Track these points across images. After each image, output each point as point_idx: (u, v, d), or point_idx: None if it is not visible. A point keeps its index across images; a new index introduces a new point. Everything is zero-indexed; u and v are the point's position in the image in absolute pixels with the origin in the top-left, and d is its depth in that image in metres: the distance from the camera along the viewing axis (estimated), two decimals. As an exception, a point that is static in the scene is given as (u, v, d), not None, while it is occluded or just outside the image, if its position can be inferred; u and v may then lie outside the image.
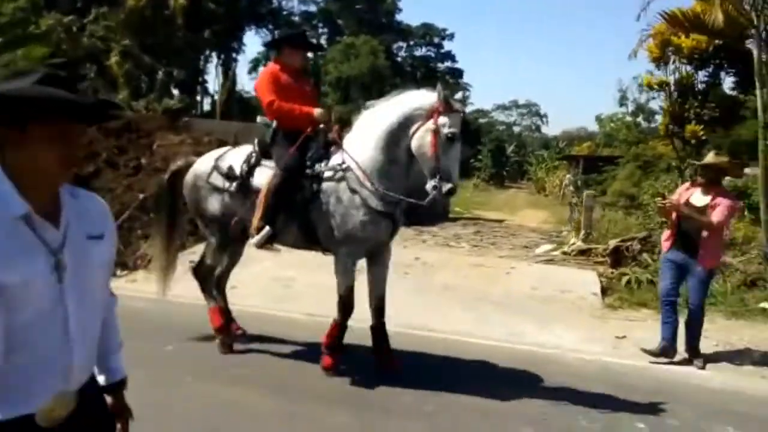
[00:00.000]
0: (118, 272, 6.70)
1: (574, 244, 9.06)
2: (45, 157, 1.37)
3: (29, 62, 22.11)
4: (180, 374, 4.11)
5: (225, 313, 4.71)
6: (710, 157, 4.95)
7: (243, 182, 4.25)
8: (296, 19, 49.91)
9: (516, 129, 66.54)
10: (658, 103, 9.85)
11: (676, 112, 9.09)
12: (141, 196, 8.49)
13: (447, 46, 57.43)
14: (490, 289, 6.92)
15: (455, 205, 17.69)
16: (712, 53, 8.80)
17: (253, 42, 72.16)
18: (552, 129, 73.57)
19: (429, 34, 56.80)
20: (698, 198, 4.81)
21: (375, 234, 4.02)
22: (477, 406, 3.85)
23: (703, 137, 8.85)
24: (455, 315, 5.92)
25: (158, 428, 2.88)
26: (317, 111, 4.17)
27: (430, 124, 3.79)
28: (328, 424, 3.56)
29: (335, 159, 4.08)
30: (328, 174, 4.04)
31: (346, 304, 4.14)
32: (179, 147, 9.54)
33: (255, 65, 52.70)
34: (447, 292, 6.77)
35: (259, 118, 4.42)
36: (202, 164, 4.50)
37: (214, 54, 44.30)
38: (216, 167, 4.38)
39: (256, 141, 4.38)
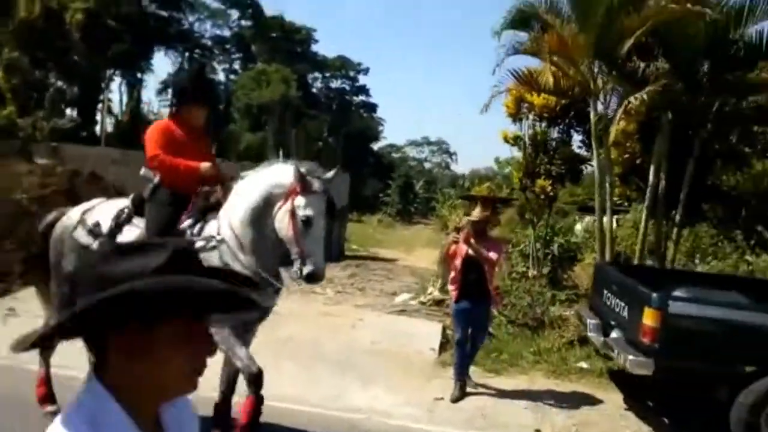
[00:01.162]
0: None
1: (431, 293, 9.15)
2: (173, 367, 1.04)
3: None
4: None
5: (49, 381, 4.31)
6: (477, 213, 5.59)
7: (108, 241, 3.84)
8: (208, 42, 49.11)
9: (427, 165, 67.95)
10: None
11: (529, 167, 9.47)
12: (-32, 232, 7.85)
13: (362, 80, 58.18)
14: (331, 344, 6.79)
15: (353, 243, 17.67)
16: (561, 112, 9.24)
17: (164, 62, 70.19)
18: (463, 167, 75.66)
19: (344, 66, 57.38)
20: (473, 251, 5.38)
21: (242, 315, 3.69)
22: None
23: (551, 193, 9.24)
24: (288, 374, 5.72)
25: None
26: (203, 166, 3.85)
27: (287, 205, 3.59)
28: None
29: (211, 227, 3.82)
30: (200, 243, 3.73)
31: (254, 375, 3.71)
32: (26, 177, 8.93)
33: (165, 86, 51.27)
34: (287, 347, 6.57)
35: (142, 171, 4.03)
36: (70, 217, 4.16)
37: (117, 73, 42.75)
38: (81, 221, 4.04)
39: (131, 196, 4.05)
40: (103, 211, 4.07)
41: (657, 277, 5.87)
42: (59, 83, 32.34)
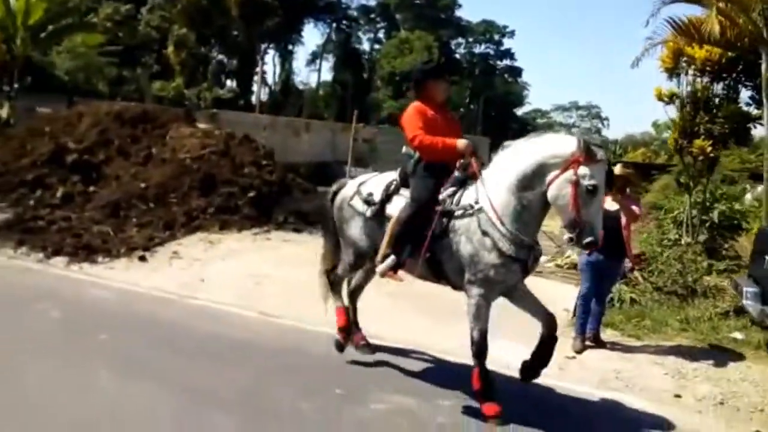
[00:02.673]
0: (100, 258, 7.02)
1: (569, 257, 8.83)
2: None
3: (88, 49, 23.15)
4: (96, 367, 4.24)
5: (350, 316, 4.84)
6: (618, 169, 5.45)
7: (380, 209, 4.30)
8: (354, 13, 50.14)
9: (575, 131, 64.87)
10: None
11: (686, 126, 8.68)
12: (143, 185, 8.85)
13: (507, 43, 56.51)
14: (430, 295, 6.76)
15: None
16: (726, 65, 8.31)
17: (313, 35, 72.79)
18: (615, 132, 71.10)
19: (489, 31, 56.05)
20: (609, 205, 5.17)
21: (505, 278, 3.91)
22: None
23: (711, 154, 8.42)
24: (423, 325, 5.87)
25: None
26: (460, 143, 4.11)
27: (569, 175, 3.63)
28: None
29: (468, 196, 4.01)
30: (459, 212, 3.97)
31: (479, 348, 4.01)
32: (189, 139, 9.85)
33: (314, 57, 53.44)
34: (424, 300, 6.70)
35: (404, 149, 4.45)
36: (348, 188, 4.62)
37: (271, 46, 45.16)
38: (358, 192, 4.47)
39: (399, 169, 4.41)
40: (376, 183, 4.47)
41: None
42: (220, 57, 34.98)
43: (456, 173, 4.10)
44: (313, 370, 4.54)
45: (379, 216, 4.30)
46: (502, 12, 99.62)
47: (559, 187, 3.66)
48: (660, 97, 9.10)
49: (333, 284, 4.84)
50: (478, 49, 56.89)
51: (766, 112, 7.48)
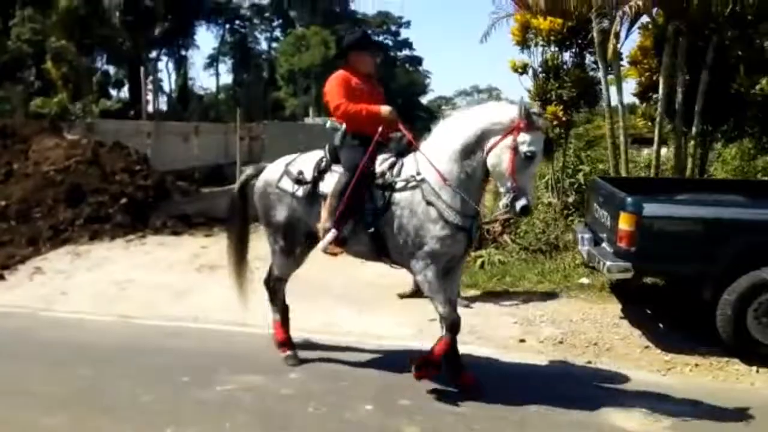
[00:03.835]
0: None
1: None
2: None
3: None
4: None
5: (287, 329, 4.66)
6: None
7: (312, 187, 4.20)
8: (247, 12, 49.31)
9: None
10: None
11: (540, 94, 9.19)
12: (3, 203, 8.44)
13: (404, 33, 57.22)
14: (336, 279, 6.92)
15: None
16: (569, 34, 8.85)
17: (207, 38, 70.89)
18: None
19: (386, 22, 56.55)
20: None
21: (452, 249, 3.88)
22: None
23: (564, 118, 8.95)
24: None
25: None
26: (384, 108, 4.09)
27: (508, 141, 3.65)
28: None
29: (409, 167, 3.97)
30: (400, 184, 3.92)
31: (452, 322, 3.92)
32: (53, 150, 9.46)
33: (212, 61, 52.14)
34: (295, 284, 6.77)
35: (328, 123, 4.39)
36: (273, 170, 4.45)
37: (163, 52, 43.73)
38: (286, 172, 4.33)
39: (326, 146, 4.31)
40: (305, 161, 4.35)
41: (648, 186, 5.70)
42: (107, 67, 33.56)
43: (391, 144, 4.08)
44: (161, 364, 4.50)
45: (311, 195, 4.20)
46: (394, 3, 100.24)
47: (498, 154, 3.69)
48: (514, 69, 9.58)
49: (273, 292, 4.64)
50: (377, 40, 57.30)
51: (602, 75, 8.04)
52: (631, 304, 5.82)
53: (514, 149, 3.63)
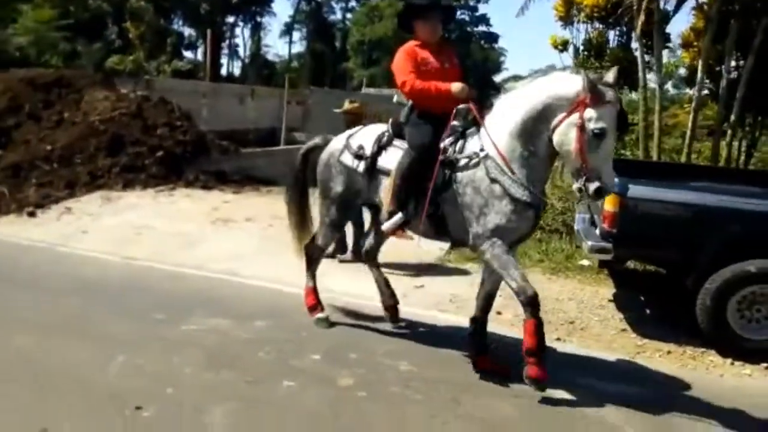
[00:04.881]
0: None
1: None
2: None
3: (38, 24, 23.05)
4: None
5: (318, 295, 4.63)
6: (346, 105, 6.13)
7: (372, 162, 4.05)
8: (322, -18, 49.56)
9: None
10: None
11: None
12: (48, 147, 9.02)
13: (482, 9, 56.01)
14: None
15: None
16: (612, 11, 8.51)
17: (284, 6, 71.45)
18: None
19: (463, -4, 55.51)
20: None
21: (518, 224, 3.63)
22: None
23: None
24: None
25: None
26: (455, 86, 3.80)
27: (574, 118, 3.30)
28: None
29: (472, 144, 3.73)
30: (463, 161, 3.71)
31: (528, 296, 3.59)
32: (101, 102, 9.99)
33: (287, 29, 52.91)
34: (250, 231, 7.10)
35: (395, 97, 4.33)
36: (336, 143, 4.34)
37: (240, 18, 44.78)
38: (347, 146, 4.20)
39: (390, 120, 4.16)
40: (366, 135, 4.21)
41: (647, 169, 5.49)
42: (184, 29, 34.73)
43: (455, 122, 3.82)
44: (144, 302, 4.79)
45: (371, 170, 4.05)
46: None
47: (563, 132, 3.36)
48: (555, 45, 9.32)
49: (311, 259, 4.59)
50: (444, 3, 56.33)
51: (639, 55, 7.73)
52: (624, 289, 5.67)
53: (581, 127, 3.27)
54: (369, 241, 4.65)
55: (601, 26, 9.14)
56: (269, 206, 8.28)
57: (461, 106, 3.80)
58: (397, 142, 4.02)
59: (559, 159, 3.64)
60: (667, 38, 8.60)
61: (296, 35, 53.01)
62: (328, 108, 14.33)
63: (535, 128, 3.50)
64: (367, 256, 4.69)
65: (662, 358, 4.43)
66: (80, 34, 25.34)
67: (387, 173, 3.96)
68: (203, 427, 3.11)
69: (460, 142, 3.77)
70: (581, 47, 9.15)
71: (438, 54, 4.00)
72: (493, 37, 57.90)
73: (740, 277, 4.30)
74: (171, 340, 4.12)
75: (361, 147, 4.12)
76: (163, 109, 10.42)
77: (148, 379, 3.56)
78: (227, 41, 47.18)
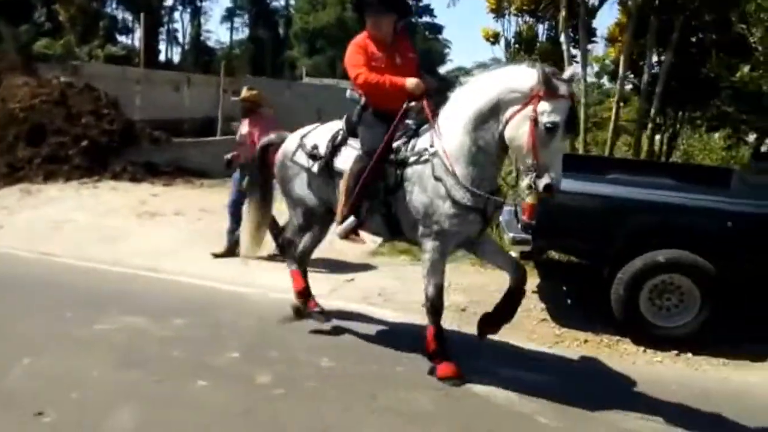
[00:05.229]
0: None
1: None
2: None
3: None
4: None
5: (306, 279, 4.46)
6: (243, 92, 6.14)
7: (326, 163, 3.92)
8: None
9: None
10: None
11: (509, 66, 9.04)
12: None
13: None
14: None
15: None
16: (541, 4, 8.65)
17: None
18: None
19: (407, -14, 55.57)
20: (244, 128, 6.04)
21: (461, 229, 3.57)
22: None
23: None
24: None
25: None
26: (409, 81, 3.66)
27: (528, 111, 3.24)
28: None
29: (423, 141, 3.65)
30: (413, 158, 3.63)
31: (434, 306, 3.71)
32: (21, 89, 9.52)
33: (229, 14, 51.79)
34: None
35: (348, 93, 4.10)
36: (290, 142, 4.22)
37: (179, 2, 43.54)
38: (301, 145, 4.09)
39: (344, 118, 4.03)
40: (320, 134, 4.08)
41: (572, 163, 5.60)
42: (119, 13, 33.48)
43: (408, 120, 3.74)
44: (56, 299, 4.60)
45: (326, 171, 3.93)
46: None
47: (516, 126, 3.29)
48: (486, 38, 9.41)
49: (284, 248, 4.50)
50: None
51: (564, 49, 7.89)
52: (547, 280, 5.81)
53: (534, 120, 3.21)
54: (305, 242, 4.43)
55: (531, 20, 9.26)
56: (201, 199, 8.13)
57: (413, 103, 3.70)
58: (351, 141, 3.90)
59: (509, 155, 3.61)
60: (593, 33, 8.79)
61: (239, 21, 52.03)
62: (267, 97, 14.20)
63: (486, 122, 3.43)
64: (300, 260, 4.47)
65: (579, 347, 4.55)
66: (3, 14, 24.09)
67: (342, 174, 3.84)
68: (106, 431, 3.00)
69: (413, 141, 3.70)
70: (512, 40, 9.25)
71: (390, 49, 3.84)
72: (437, 28, 58.28)
73: (650, 266, 4.46)
74: (81, 339, 3.97)
75: (315, 146, 4.00)
76: (89, 97, 10.02)
77: (53, 381, 3.41)
78: (166, 26, 45.77)
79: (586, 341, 4.62)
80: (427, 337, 3.81)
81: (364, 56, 3.77)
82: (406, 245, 6.73)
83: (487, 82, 3.49)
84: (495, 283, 5.76)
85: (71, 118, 9.33)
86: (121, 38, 34.72)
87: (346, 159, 3.83)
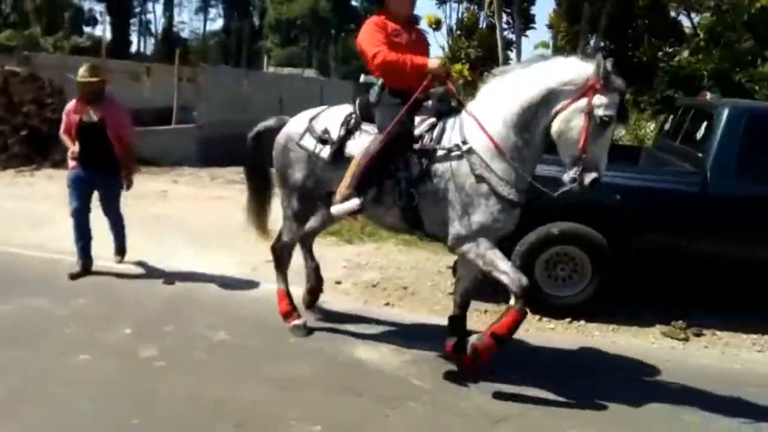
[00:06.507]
0: None
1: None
2: None
3: None
4: None
5: (292, 300, 4.25)
6: (82, 74, 4.84)
7: (338, 148, 3.68)
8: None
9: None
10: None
11: (452, 52, 9.18)
12: None
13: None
14: (197, 220, 7.02)
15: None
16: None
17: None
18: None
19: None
20: (91, 115, 4.91)
21: (505, 224, 3.44)
22: None
23: (470, 78, 8.92)
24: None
25: None
26: (432, 61, 3.52)
27: (581, 104, 3.15)
28: None
29: (452, 132, 3.46)
30: (441, 152, 3.43)
31: (522, 289, 3.35)
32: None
33: (203, 5, 51.34)
34: (151, 222, 6.88)
35: (363, 77, 3.91)
36: (295, 124, 3.94)
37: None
38: (309, 129, 3.82)
39: (357, 101, 3.81)
40: (330, 117, 3.85)
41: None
42: (85, 3, 33.05)
43: (431, 102, 3.56)
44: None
45: (336, 157, 3.67)
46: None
47: (567, 119, 3.19)
48: (430, 24, 9.53)
49: (280, 259, 4.22)
50: (371, -7, 56.18)
51: (498, 35, 8.02)
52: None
53: (589, 114, 3.12)
54: (310, 224, 4.27)
55: (472, 7, 9.39)
56: (139, 185, 8.09)
57: (438, 87, 3.56)
58: (365, 126, 3.68)
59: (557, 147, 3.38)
60: (532, 19, 8.94)
61: (213, 12, 51.64)
62: (223, 86, 14.16)
63: (534, 116, 3.30)
64: (302, 242, 4.37)
65: (479, 317, 4.67)
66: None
67: (350, 160, 3.61)
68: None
69: (437, 129, 3.51)
70: (454, 27, 9.38)
71: (408, 28, 3.69)
72: (413, 19, 58.06)
73: (545, 238, 4.60)
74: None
75: (326, 131, 3.75)
76: (32, 86, 9.96)
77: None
78: (138, 17, 45.30)
79: (486, 311, 4.75)
80: (503, 319, 3.47)
81: (383, 34, 3.55)
82: (337, 225, 6.87)
83: (534, 75, 3.33)
84: (412, 261, 5.92)
85: (13, 107, 9.28)
86: (90, 30, 34.28)
87: (359, 144, 3.62)
